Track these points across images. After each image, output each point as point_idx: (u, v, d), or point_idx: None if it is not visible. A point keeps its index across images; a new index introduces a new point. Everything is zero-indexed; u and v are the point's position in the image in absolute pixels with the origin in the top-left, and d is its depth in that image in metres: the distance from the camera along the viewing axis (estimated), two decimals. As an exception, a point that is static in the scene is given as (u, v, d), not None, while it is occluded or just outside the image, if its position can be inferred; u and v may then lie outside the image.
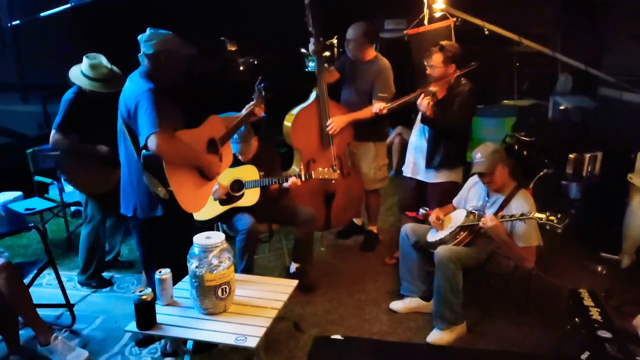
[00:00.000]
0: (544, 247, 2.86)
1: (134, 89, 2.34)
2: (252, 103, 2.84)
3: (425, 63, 3.29)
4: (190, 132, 2.45)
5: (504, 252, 2.83)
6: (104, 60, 3.24)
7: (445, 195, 3.33)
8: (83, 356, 2.64)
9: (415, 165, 3.51)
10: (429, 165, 3.38)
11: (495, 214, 2.81)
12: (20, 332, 2.70)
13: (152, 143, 2.20)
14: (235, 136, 3.26)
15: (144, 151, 2.29)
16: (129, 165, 2.48)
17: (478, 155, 2.88)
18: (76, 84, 3.20)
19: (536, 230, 2.76)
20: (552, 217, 2.51)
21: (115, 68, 3.25)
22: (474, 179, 3.11)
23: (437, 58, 3.21)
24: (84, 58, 3.21)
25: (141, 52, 2.38)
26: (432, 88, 3.21)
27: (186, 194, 2.40)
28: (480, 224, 2.73)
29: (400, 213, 3.80)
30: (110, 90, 3.10)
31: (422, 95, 3.16)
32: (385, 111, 3.42)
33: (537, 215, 2.57)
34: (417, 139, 3.49)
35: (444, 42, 3.27)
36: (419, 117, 3.38)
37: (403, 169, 3.67)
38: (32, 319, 2.63)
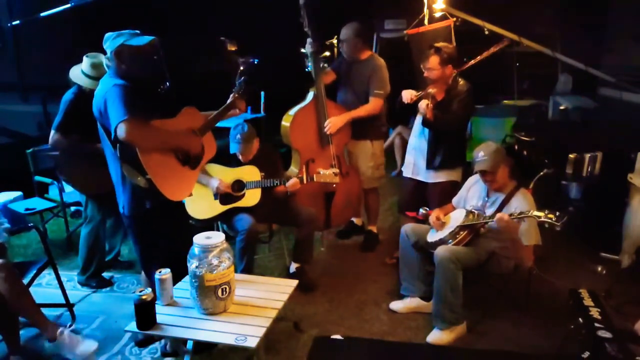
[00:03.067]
0: (544, 247, 2.86)
1: (102, 88, 2.37)
2: (231, 95, 2.76)
3: (422, 66, 3.29)
4: (164, 122, 2.43)
5: (505, 252, 2.83)
6: (104, 59, 3.24)
7: (445, 195, 3.33)
8: (93, 347, 2.65)
9: (415, 166, 3.51)
10: (430, 166, 3.39)
11: (495, 213, 2.82)
12: (21, 332, 2.70)
13: (121, 131, 2.18)
14: (238, 136, 3.26)
15: (119, 143, 2.28)
16: (114, 164, 2.49)
17: (481, 154, 2.88)
18: (77, 84, 3.21)
19: (536, 229, 2.76)
20: (550, 215, 2.51)
21: None
22: (473, 178, 3.11)
23: (433, 60, 3.21)
24: (85, 58, 3.21)
25: (105, 57, 2.43)
26: (431, 90, 3.22)
27: (166, 181, 2.38)
28: (495, 220, 2.70)
29: (400, 213, 3.80)
30: None
31: (422, 98, 3.18)
32: (415, 98, 3.25)
33: (536, 213, 2.57)
34: (417, 140, 3.49)
35: (439, 44, 3.27)
36: (418, 118, 3.39)
37: (403, 169, 3.67)
38: (35, 316, 2.63)
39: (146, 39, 2.37)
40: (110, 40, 2.39)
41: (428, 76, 3.27)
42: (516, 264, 2.87)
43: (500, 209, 2.85)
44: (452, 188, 3.37)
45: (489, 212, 2.88)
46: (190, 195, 2.62)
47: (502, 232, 2.72)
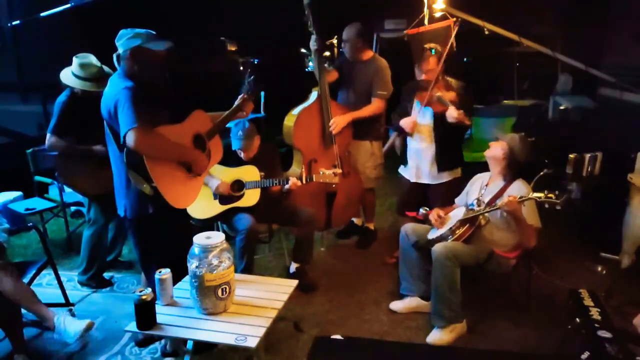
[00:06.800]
0: (544, 247, 2.86)
1: (112, 89, 2.35)
2: (240, 96, 2.75)
3: (420, 69, 3.28)
4: (172, 127, 2.42)
5: (507, 241, 2.84)
6: (93, 59, 3.24)
7: (450, 192, 3.36)
8: (83, 324, 2.66)
9: (418, 170, 3.47)
10: (441, 168, 3.38)
11: (493, 199, 2.84)
12: (24, 330, 2.70)
13: (130, 139, 2.18)
14: (240, 132, 3.26)
15: (126, 149, 2.28)
16: (118, 166, 2.48)
17: None
18: (68, 85, 3.21)
19: (535, 211, 2.76)
20: (550, 195, 2.53)
21: (105, 67, 3.25)
22: (475, 177, 3.13)
23: (433, 61, 3.23)
24: (74, 58, 3.22)
25: (115, 53, 2.39)
26: (440, 94, 3.20)
27: (172, 189, 2.37)
28: (500, 203, 2.70)
29: (398, 214, 3.80)
30: (101, 90, 3.09)
31: (448, 106, 3.15)
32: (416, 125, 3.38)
33: (535, 194, 2.58)
34: (417, 143, 3.43)
35: (433, 45, 3.27)
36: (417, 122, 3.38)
37: (404, 174, 3.61)
38: (38, 309, 2.64)
39: (165, 43, 2.37)
40: (126, 39, 2.35)
41: (427, 78, 3.27)
42: (521, 246, 2.86)
43: (498, 195, 2.85)
44: (456, 185, 3.40)
45: (487, 199, 2.90)
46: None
47: (510, 214, 2.71)
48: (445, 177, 3.41)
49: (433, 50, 3.22)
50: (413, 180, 3.52)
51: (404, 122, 3.38)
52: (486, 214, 2.87)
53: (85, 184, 3.33)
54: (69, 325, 2.62)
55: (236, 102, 2.73)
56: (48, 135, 3.23)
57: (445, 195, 3.36)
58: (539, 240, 2.81)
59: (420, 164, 3.46)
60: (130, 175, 2.35)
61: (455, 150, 3.38)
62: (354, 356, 2.77)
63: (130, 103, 2.22)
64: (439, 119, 3.26)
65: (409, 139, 3.52)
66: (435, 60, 3.21)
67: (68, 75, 3.20)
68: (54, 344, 2.81)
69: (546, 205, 2.56)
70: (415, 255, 3.10)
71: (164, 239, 2.53)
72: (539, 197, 2.57)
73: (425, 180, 3.46)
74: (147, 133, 2.22)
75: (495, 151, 2.95)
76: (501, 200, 2.75)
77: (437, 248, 2.81)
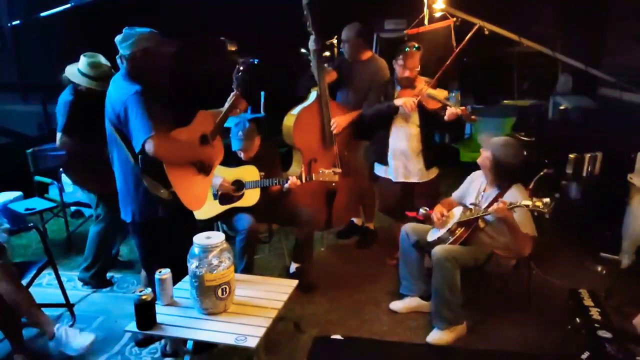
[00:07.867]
0: (545, 247, 2.86)
1: (120, 92, 2.30)
2: (232, 94, 2.70)
3: (405, 67, 3.27)
4: (183, 130, 2.44)
5: (505, 246, 2.83)
6: (102, 59, 3.24)
7: (436, 188, 3.44)
8: (89, 339, 2.65)
9: (406, 170, 3.46)
10: (430, 165, 3.41)
11: (489, 205, 2.83)
12: (24, 330, 2.70)
13: (150, 147, 2.18)
14: (240, 133, 3.26)
15: (141, 156, 2.27)
16: (124, 170, 2.44)
17: None
18: (73, 82, 3.20)
19: (529, 219, 2.75)
20: (538, 203, 2.52)
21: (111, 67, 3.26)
22: (475, 174, 3.13)
23: (418, 58, 3.25)
24: (82, 57, 3.21)
25: (119, 54, 2.35)
26: (432, 92, 3.21)
27: (188, 192, 2.40)
28: (490, 209, 2.71)
29: (391, 216, 3.78)
30: (106, 89, 3.10)
31: (444, 103, 3.18)
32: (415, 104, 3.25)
33: (524, 202, 2.57)
34: (402, 143, 3.41)
35: (415, 42, 3.29)
36: (400, 123, 3.39)
37: (388, 175, 3.57)
38: (35, 316, 2.63)
39: (172, 44, 2.40)
40: (132, 41, 2.30)
41: (410, 76, 3.28)
42: (515, 254, 2.86)
43: (493, 202, 2.85)
44: (439, 179, 3.49)
45: (484, 206, 2.89)
46: None
47: (501, 220, 2.71)
48: (433, 172, 3.46)
49: (417, 47, 3.23)
50: (401, 180, 3.49)
51: (405, 103, 3.21)
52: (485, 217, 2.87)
53: (94, 181, 3.33)
54: (73, 339, 2.61)
55: (228, 100, 2.70)
56: (59, 134, 3.22)
57: (433, 191, 3.43)
58: (538, 241, 2.81)
59: (407, 164, 3.45)
60: (146, 181, 2.34)
61: (438, 144, 3.40)
62: (354, 356, 2.78)
63: (144, 110, 2.20)
64: (427, 116, 3.28)
65: (392, 138, 3.45)
66: (418, 58, 3.23)
67: (74, 72, 3.19)
68: (53, 344, 2.81)
69: (535, 213, 2.55)
70: (415, 255, 3.10)
71: (169, 240, 2.52)
72: (527, 205, 2.55)
73: (414, 179, 3.46)
74: (165, 139, 2.24)
75: (482, 160, 2.93)
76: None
77: (437, 250, 2.81)
